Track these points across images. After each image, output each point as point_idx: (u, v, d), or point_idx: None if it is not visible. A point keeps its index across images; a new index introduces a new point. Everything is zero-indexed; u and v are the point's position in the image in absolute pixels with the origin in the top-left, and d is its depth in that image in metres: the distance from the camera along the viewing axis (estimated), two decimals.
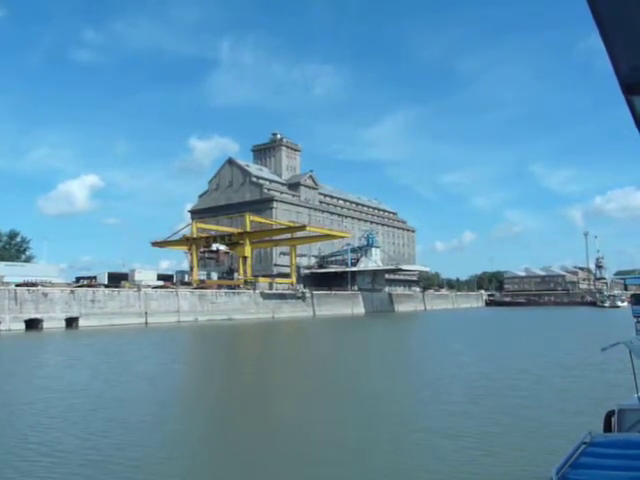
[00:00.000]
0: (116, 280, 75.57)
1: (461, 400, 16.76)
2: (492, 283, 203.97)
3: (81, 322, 57.38)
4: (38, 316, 54.07)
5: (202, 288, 79.23)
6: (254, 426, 13.92)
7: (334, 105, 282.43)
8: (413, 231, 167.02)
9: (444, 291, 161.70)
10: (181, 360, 30.85)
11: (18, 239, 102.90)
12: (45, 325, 54.01)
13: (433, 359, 29.72)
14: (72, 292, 58.59)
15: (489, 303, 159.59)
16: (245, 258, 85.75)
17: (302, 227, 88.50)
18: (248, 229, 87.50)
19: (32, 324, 53.36)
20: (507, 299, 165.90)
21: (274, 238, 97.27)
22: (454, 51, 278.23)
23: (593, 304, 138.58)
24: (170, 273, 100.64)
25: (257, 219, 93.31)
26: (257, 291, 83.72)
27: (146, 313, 64.35)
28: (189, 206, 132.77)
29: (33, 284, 59.21)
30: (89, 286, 65.93)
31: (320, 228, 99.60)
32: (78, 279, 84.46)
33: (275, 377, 24.31)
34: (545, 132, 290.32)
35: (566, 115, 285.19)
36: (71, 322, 56.68)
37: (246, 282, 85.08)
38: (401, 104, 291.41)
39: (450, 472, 9.86)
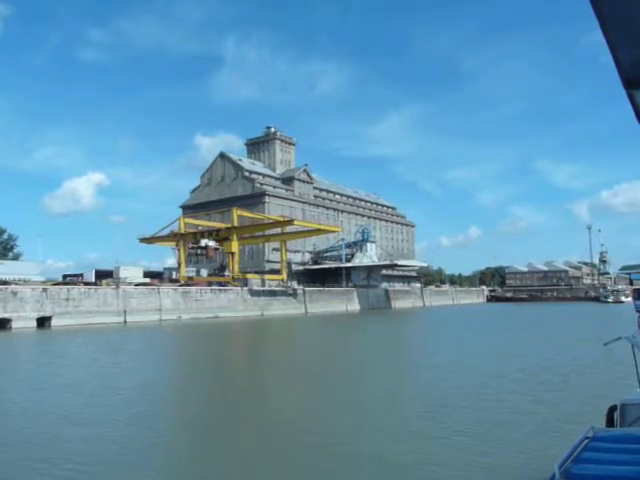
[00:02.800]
0: (104, 277, 73.63)
1: (461, 395, 16.53)
2: (494, 278, 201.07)
3: (54, 321, 54.90)
4: (6, 316, 51.61)
5: (189, 285, 76.67)
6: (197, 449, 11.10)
7: (339, 102, 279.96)
8: (412, 226, 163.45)
9: (445, 287, 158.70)
10: (130, 362, 28.02)
11: (5, 236, 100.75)
12: (14, 325, 51.57)
13: (419, 357, 26.98)
14: (44, 290, 56.03)
15: (490, 299, 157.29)
16: (233, 254, 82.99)
17: (290, 221, 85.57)
18: (235, 224, 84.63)
19: (0, 324, 50.90)
20: (509, 294, 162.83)
21: (265, 233, 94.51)
22: (458, 47, 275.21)
23: (596, 299, 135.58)
24: (160, 270, 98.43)
25: (248, 214, 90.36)
26: (245, 288, 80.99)
27: (125, 311, 61.76)
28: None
29: (5, 282, 56.82)
30: (65, 284, 63.45)
31: (309, 222, 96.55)
32: (65, 277, 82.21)
33: (230, 382, 21.52)
34: (550, 127, 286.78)
35: (571, 110, 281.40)
36: (43, 322, 54.21)
37: (234, 278, 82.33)
38: (406, 101, 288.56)
39: (450, 467, 9.65)
